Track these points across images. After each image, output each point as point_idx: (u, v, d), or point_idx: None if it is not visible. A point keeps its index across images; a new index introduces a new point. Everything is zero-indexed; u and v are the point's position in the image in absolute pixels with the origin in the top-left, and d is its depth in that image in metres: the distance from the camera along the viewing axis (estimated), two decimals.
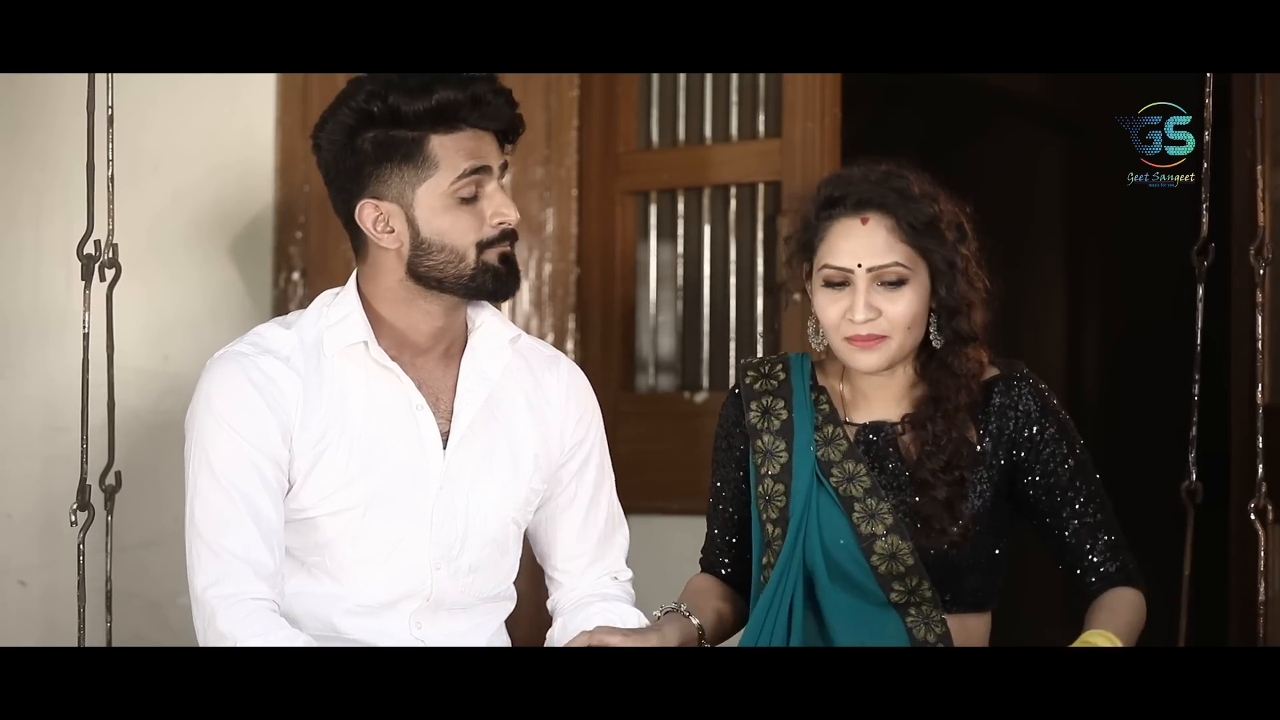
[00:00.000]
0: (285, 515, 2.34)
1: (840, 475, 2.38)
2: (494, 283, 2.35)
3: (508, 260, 2.35)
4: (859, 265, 2.33)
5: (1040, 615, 4.72)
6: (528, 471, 2.44)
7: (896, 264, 2.33)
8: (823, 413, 2.42)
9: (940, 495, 2.33)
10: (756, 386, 2.48)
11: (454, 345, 2.42)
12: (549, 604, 2.56)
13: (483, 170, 2.32)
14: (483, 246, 2.33)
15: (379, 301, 2.37)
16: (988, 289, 2.39)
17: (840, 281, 2.35)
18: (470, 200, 2.32)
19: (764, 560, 2.43)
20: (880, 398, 2.42)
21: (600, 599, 2.48)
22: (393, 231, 2.32)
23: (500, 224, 2.33)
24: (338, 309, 2.38)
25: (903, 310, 2.33)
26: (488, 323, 2.42)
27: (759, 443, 2.45)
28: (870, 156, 2.42)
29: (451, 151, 2.31)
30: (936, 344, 2.37)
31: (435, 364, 2.40)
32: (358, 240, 2.37)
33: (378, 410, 2.36)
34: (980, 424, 2.37)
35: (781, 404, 2.45)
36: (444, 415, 2.39)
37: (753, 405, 2.46)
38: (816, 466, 2.39)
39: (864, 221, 2.35)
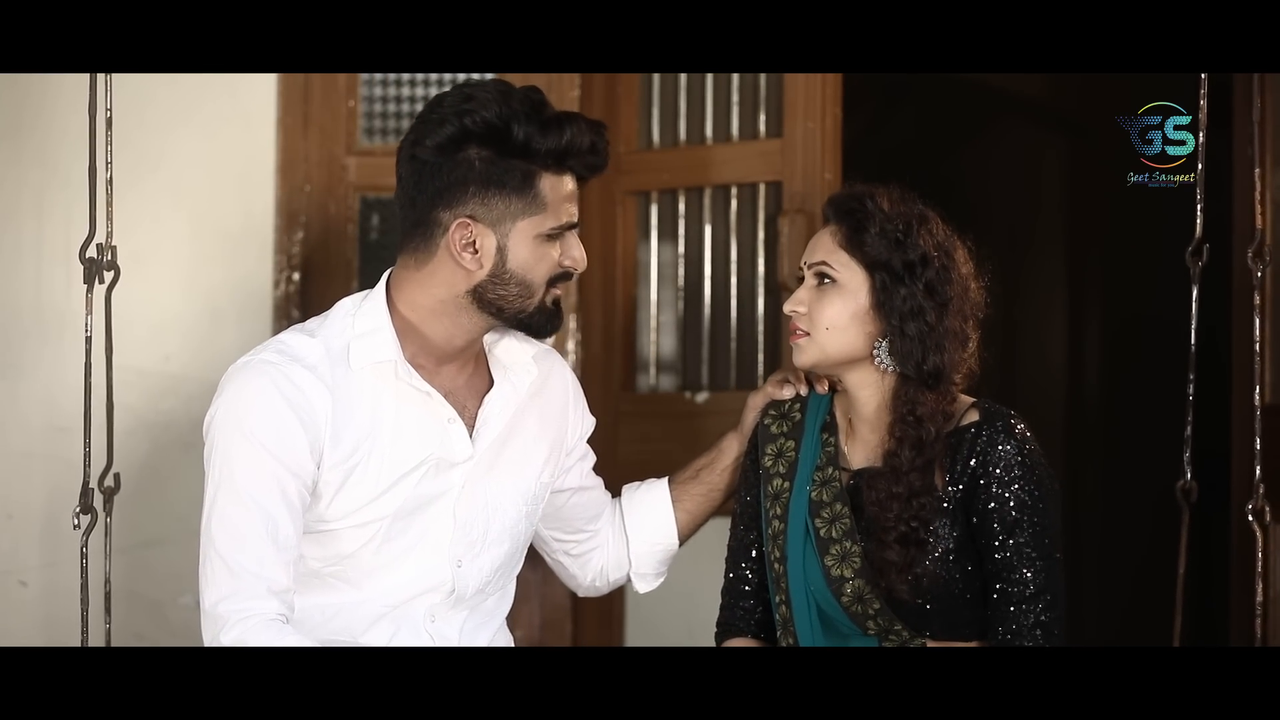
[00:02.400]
0: (305, 527, 2.31)
1: (827, 516, 2.41)
2: (546, 321, 2.37)
3: (558, 301, 2.38)
4: (804, 263, 2.43)
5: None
6: (538, 465, 2.47)
7: (825, 263, 2.39)
8: (827, 454, 2.45)
9: (891, 556, 2.33)
10: (773, 429, 2.52)
11: (472, 347, 2.42)
12: (592, 569, 2.62)
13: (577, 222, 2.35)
14: (550, 284, 2.35)
15: (415, 311, 2.35)
16: (969, 330, 2.39)
17: (801, 278, 2.44)
18: (554, 239, 2.33)
19: (777, 599, 2.46)
20: (872, 437, 2.42)
21: (625, 499, 2.64)
22: (477, 254, 2.30)
23: (570, 266, 2.36)
24: (365, 319, 2.35)
25: (823, 309, 2.38)
26: (510, 336, 2.43)
27: (769, 487, 2.48)
28: (896, 183, 2.44)
29: (559, 195, 2.31)
30: (884, 369, 2.38)
31: (459, 370, 2.41)
32: (423, 248, 2.33)
33: (409, 425, 2.34)
34: (949, 467, 2.36)
35: (792, 445, 2.49)
36: (469, 420, 2.40)
37: (768, 449, 2.51)
38: (808, 506, 2.42)
39: (824, 225, 2.44)
